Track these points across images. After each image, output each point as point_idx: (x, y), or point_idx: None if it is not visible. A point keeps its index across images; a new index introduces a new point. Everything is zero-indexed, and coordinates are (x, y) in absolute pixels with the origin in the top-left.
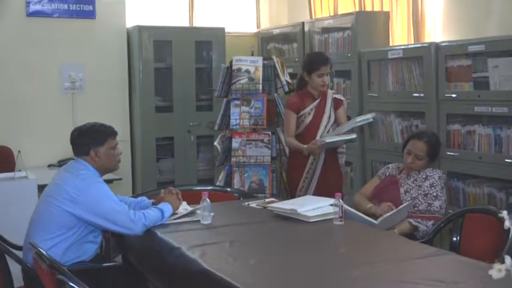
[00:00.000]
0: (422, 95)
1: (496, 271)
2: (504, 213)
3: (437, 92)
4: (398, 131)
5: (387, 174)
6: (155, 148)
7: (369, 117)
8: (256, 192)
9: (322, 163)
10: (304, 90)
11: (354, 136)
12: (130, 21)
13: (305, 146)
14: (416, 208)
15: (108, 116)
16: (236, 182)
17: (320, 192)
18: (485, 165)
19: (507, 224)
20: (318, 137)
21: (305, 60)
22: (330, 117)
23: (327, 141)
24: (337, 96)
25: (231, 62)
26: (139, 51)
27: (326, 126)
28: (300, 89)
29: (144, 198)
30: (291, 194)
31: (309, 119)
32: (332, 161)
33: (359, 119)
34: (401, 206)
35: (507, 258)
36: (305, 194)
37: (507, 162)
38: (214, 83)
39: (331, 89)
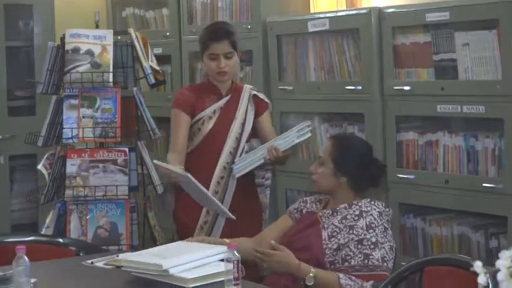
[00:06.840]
0: (359, 87)
1: None
2: (477, 265)
3: (381, 84)
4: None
5: (304, 211)
6: None
7: (304, 127)
8: (107, 243)
9: (230, 200)
10: (204, 82)
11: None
12: None
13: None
14: (347, 263)
15: None
16: (73, 228)
17: None
18: (455, 193)
19: (481, 280)
20: (223, 157)
21: (199, 36)
22: (244, 125)
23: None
24: (259, 95)
25: (63, 39)
26: None
27: (238, 139)
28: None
29: None
30: None
31: (209, 126)
32: (247, 196)
33: (295, 132)
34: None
35: None
36: None
37: (486, 187)
38: (37, 72)
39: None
